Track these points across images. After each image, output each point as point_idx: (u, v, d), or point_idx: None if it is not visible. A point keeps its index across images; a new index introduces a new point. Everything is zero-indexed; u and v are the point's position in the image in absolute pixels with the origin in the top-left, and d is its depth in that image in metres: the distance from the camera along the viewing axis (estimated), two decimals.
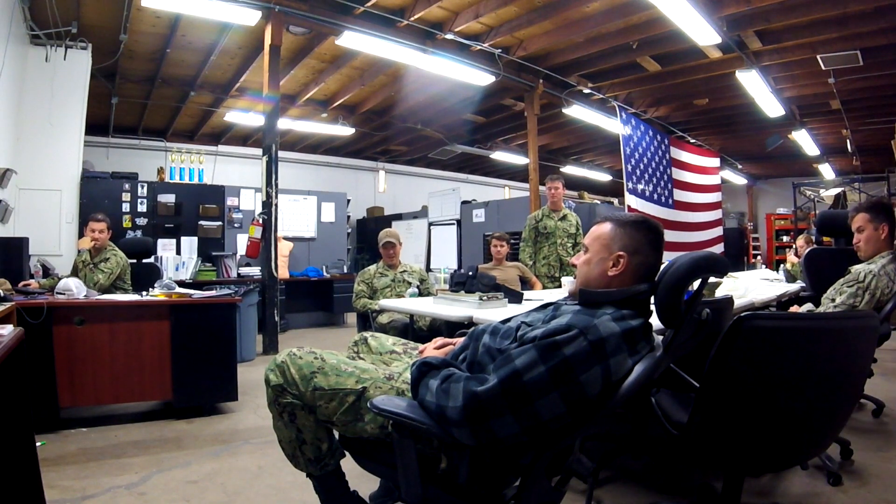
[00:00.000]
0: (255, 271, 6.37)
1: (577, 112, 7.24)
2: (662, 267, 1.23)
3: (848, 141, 8.70)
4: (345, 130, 8.29)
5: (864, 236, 2.41)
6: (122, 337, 3.01)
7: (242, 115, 7.52)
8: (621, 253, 1.28)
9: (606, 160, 11.84)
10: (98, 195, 6.10)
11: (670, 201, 7.99)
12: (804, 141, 8.76)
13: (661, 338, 1.23)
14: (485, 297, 2.65)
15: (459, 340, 1.54)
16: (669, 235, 7.61)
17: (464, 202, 8.68)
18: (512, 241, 4.62)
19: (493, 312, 2.37)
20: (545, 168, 9.47)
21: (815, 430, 1.34)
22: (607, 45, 5.75)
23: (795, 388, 1.23)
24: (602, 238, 1.33)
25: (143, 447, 2.67)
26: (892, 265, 2.34)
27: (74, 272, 3.74)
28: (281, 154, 5.10)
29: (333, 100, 7.51)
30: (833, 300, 2.35)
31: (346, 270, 7.82)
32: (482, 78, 5.99)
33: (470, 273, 3.41)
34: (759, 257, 11.93)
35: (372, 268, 3.82)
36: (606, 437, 2.57)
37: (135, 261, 4.34)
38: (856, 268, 2.37)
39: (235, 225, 6.91)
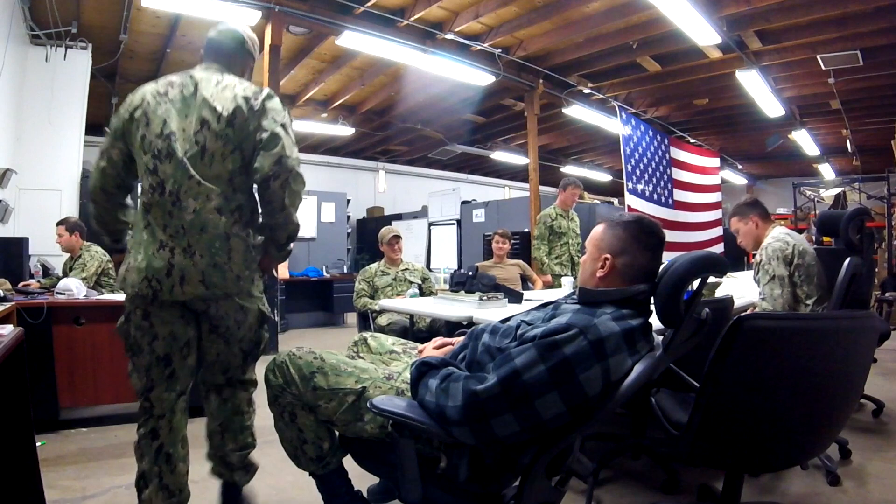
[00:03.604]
0: None
1: (577, 112, 7.23)
2: (662, 267, 1.22)
3: (848, 141, 8.70)
4: (345, 130, 8.28)
5: (741, 235, 2.62)
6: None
7: None
8: (606, 255, 1.29)
9: (606, 160, 11.83)
10: None
11: (670, 201, 7.98)
12: (804, 141, 8.76)
13: (660, 338, 1.23)
14: (485, 297, 2.65)
15: (459, 340, 1.55)
16: (669, 235, 7.49)
17: (464, 202, 8.68)
18: (513, 240, 4.63)
19: (492, 312, 2.37)
20: (545, 168, 9.47)
21: (815, 430, 1.34)
22: (607, 45, 5.74)
23: (795, 389, 1.23)
24: (594, 240, 1.35)
25: None
26: (775, 231, 2.52)
27: (65, 275, 3.77)
28: None
29: (333, 100, 7.50)
30: (763, 297, 2.46)
31: (346, 270, 7.82)
32: (482, 78, 5.99)
33: (470, 273, 3.40)
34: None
35: (373, 266, 3.81)
36: (606, 437, 2.58)
37: None
38: (754, 261, 2.54)
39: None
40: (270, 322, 1.88)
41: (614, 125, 7.19)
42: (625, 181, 6.94)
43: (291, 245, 1.76)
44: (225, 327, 1.69)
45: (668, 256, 1.24)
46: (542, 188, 7.02)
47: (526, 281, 4.38)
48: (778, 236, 2.48)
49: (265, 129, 1.59)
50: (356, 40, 5.07)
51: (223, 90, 1.64)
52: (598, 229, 1.36)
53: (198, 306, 1.64)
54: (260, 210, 1.68)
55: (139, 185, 1.65)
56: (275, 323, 5.01)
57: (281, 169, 1.56)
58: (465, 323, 2.39)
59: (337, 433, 1.47)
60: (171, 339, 1.62)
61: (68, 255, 3.91)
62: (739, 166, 11.70)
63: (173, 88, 1.65)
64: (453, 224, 8.60)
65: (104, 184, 1.71)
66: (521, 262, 4.56)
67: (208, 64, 1.74)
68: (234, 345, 1.73)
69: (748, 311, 2.47)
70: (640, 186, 7.21)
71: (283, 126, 1.62)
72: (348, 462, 1.46)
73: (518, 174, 12.28)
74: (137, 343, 1.62)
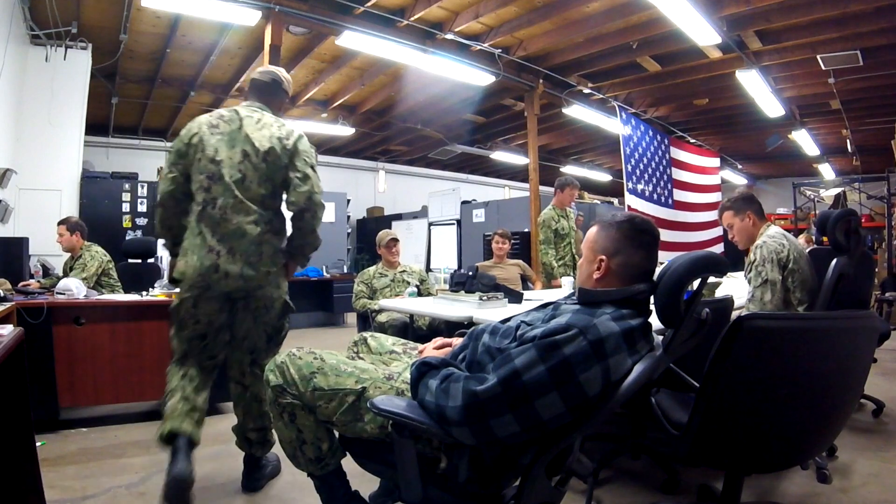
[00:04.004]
0: None
1: (577, 112, 7.23)
2: (662, 267, 1.22)
3: (848, 141, 8.69)
4: (345, 130, 8.28)
5: (735, 230, 2.56)
6: (122, 337, 3.01)
7: None
8: (601, 257, 1.29)
9: (606, 160, 11.83)
10: (98, 195, 6.11)
11: (670, 201, 7.99)
12: (804, 141, 8.76)
13: (660, 338, 1.23)
14: (485, 297, 2.65)
15: (458, 341, 1.55)
16: (669, 235, 7.61)
17: (464, 202, 8.68)
18: (512, 241, 4.62)
19: (493, 312, 2.37)
20: (545, 168, 9.46)
21: (815, 429, 1.34)
22: (607, 45, 5.74)
23: (795, 389, 1.23)
24: (588, 242, 1.35)
25: (143, 447, 2.67)
26: (770, 230, 2.46)
27: (65, 275, 3.77)
28: None
29: (333, 100, 7.50)
30: (751, 298, 2.40)
31: (346, 270, 7.82)
32: (482, 78, 5.99)
33: (470, 273, 3.40)
34: None
35: (371, 269, 3.84)
36: (606, 437, 2.58)
37: (139, 261, 4.36)
38: (747, 258, 2.48)
39: None
40: (292, 312, 2.26)
41: (614, 125, 7.20)
42: (625, 181, 6.94)
43: (311, 255, 2.22)
44: (255, 308, 2.08)
45: (668, 256, 1.24)
46: (542, 188, 7.01)
47: (526, 281, 4.38)
48: (774, 235, 2.42)
49: (298, 170, 2.03)
50: (356, 40, 5.07)
51: (261, 129, 2.06)
52: (591, 231, 1.36)
53: (238, 294, 2.04)
54: (290, 229, 2.13)
55: (196, 197, 2.03)
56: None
57: (311, 203, 2.03)
58: (465, 323, 2.40)
59: (336, 434, 1.47)
60: (208, 322, 2.04)
61: (69, 255, 3.91)
62: (739, 166, 11.70)
63: (223, 122, 2.07)
64: (453, 224, 8.60)
65: (174, 191, 2.06)
66: (520, 262, 4.56)
67: (251, 101, 2.17)
68: (259, 325, 2.12)
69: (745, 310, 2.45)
70: (640, 186, 7.21)
71: (311, 167, 2.06)
72: (348, 463, 1.46)
73: (518, 174, 12.28)
74: (184, 321, 2.04)
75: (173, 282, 2.09)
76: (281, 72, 2.26)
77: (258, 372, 2.12)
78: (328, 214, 7.81)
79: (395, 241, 3.82)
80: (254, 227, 1.99)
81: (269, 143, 2.02)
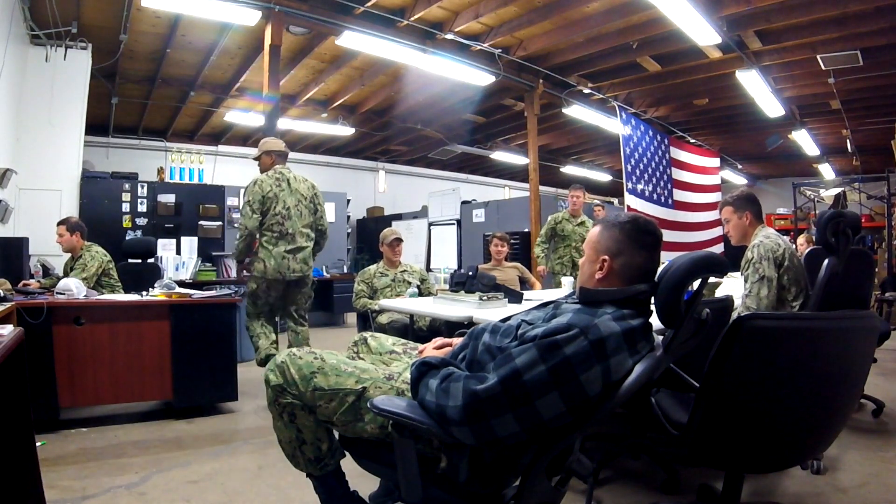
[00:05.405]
0: None
1: (577, 112, 7.23)
2: (662, 267, 1.22)
3: (848, 141, 8.69)
4: (345, 130, 8.28)
5: (731, 225, 2.68)
6: (122, 337, 3.01)
7: (242, 115, 7.51)
8: (604, 257, 1.29)
9: (606, 160, 11.83)
10: (98, 195, 6.10)
11: (670, 201, 7.99)
12: (804, 141, 8.75)
13: (661, 338, 1.23)
14: (485, 297, 2.65)
15: (459, 341, 1.54)
16: (669, 235, 7.60)
17: (464, 202, 8.67)
18: (512, 241, 4.65)
19: (493, 312, 2.37)
20: (545, 168, 9.46)
21: (815, 430, 1.34)
22: (607, 45, 5.74)
23: (795, 388, 1.23)
24: (591, 242, 1.35)
25: (143, 447, 2.67)
26: (765, 231, 2.56)
27: (65, 275, 3.76)
28: None
29: (333, 100, 7.50)
30: (748, 293, 2.48)
31: (346, 270, 7.82)
32: (482, 78, 5.99)
33: (470, 273, 3.40)
34: None
35: (372, 268, 3.82)
36: (606, 437, 2.58)
37: (139, 261, 4.36)
38: (744, 257, 2.56)
39: (235, 225, 6.90)
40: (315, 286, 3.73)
41: (614, 125, 7.19)
42: (625, 181, 6.94)
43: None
44: (303, 284, 3.61)
45: (668, 256, 1.24)
46: (542, 188, 7.01)
47: (524, 283, 4.37)
48: (769, 236, 2.52)
49: (320, 205, 3.64)
50: (356, 40, 5.06)
51: (299, 183, 3.54)
52: (594, 231, 1.36)
53: (296, 279, 3.52)
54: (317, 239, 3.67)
55: (272, 227, 3.43)
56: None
57: (325, 224, 3.68)
58: (465, 323, 2.39)
59: (336, 434, 1.47)
60: (277, 295, 3.55)
61: (69, 255, 3.90)
62: (739, 166, 11.69)
63: (282, 181, 3.47)
64: (453, 224, 8.60)
65: (257, 227, 3.40)
66: (518, 264, 4.56)
67: (282, 164, 3.59)
68: (303, 294, 3.64)
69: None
70: (639, 186, 7.21)
71: (322, 203, 3.66)
72: (349, 463, 1.46)
73: (518, 174, 12.27)
74: (260, 296, 3.50)
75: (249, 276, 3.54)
76: (280, 141, 3.78)
77: (303, 319, 3.68)
78: (328, 214, 7.83)
79: (398, 240, 3.81)
80: (307, 244, 3.52)
81: (307, 192, 3.54)
